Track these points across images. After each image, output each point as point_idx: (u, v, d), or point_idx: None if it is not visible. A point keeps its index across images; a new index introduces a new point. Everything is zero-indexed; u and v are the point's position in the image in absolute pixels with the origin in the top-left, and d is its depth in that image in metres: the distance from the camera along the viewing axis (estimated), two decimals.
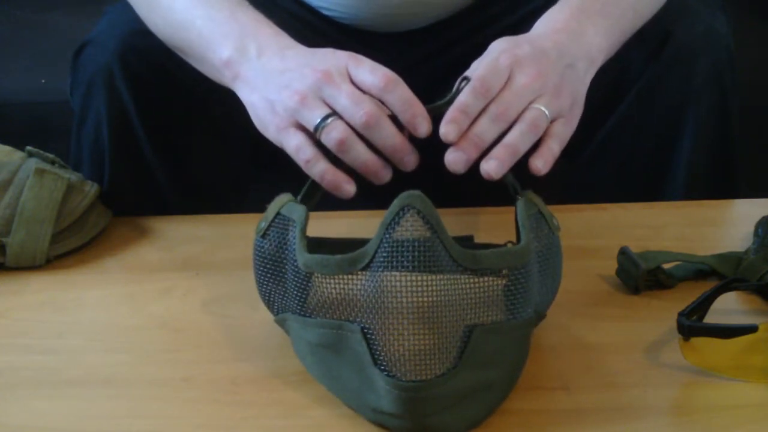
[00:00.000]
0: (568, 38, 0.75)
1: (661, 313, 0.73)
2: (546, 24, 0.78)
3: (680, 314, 0.67)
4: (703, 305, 0.70)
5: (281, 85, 0.71)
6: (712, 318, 0.70)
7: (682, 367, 0.67)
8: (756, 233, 0.82)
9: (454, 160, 0.67)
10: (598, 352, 0.70)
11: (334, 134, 0.67)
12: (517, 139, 0.68)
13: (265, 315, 0.74)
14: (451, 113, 0.67)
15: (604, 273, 0.80)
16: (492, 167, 0.67)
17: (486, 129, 0.68)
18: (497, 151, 0.67)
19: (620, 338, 0.71)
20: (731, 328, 0.65)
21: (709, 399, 0.64)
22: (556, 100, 0.71)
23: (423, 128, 0.68)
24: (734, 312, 0.75)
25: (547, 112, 0.70)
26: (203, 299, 0.79)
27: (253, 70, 0.74)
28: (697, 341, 0.66)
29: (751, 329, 0.64)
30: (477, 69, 0.71)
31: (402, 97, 0.68)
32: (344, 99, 0.67)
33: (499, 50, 0.72)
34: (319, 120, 0.68)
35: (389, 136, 0.68)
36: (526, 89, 0.70)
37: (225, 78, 0.78)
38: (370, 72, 0.68)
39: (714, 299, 0.71)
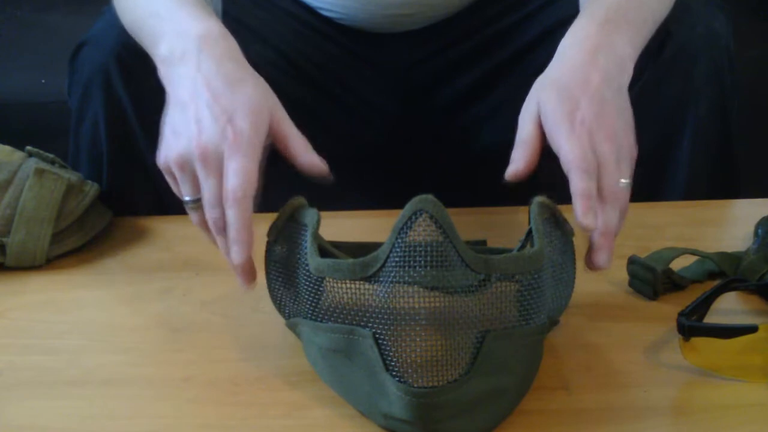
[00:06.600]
0: (605, 58, 0.73)
1: (661, 313, 0.73)
2: (576, 42, 0.75)
3: (680, 314, 0.67)
4: (703, 305, 0.70)
5: (176, 128, 0.70)
6: (712, 318, 0.70)
7: (682, 367, 0.67)
8: (756, 233, 0.82)
9: (605, 260, 0.67)
10: (598, 352, 0.70)
11: (192, 217, 0.72)
12: (613, 222, 0.68)
13: (265, 315, 0.74)
14: (579, 204, 0.66)
15: (604, 273, 0.80)
16: (603, 260, 0.67)
17: (611, 217, 0.68)
18: (601, 242, 0.67)
19: (620, 338, 0.71)
20: (731, 328, 0.65)
21: (709, 399, 0.64)
22: (628, 151, 0.71)
23: (234, 256, 0.67)
24: (734, 312, 0.75)
25: (629, 183, 0.70)
26: (203, 299, 0.79)
27: (174, 77, 0.73)
28: (697, 341, 0.66)
29: (751, 329, 0.64)
30: (564, 150, 0.68)
31: (235, 217, 0.67)
32: (206, 193, 0.68)
33: (562, 115, 0.70)
34: (187, 198, 0.71)
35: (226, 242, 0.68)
36: (611, 160, 0.69)
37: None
38: (231, 175, 0.67)
39: (714, 299, 0.71)
